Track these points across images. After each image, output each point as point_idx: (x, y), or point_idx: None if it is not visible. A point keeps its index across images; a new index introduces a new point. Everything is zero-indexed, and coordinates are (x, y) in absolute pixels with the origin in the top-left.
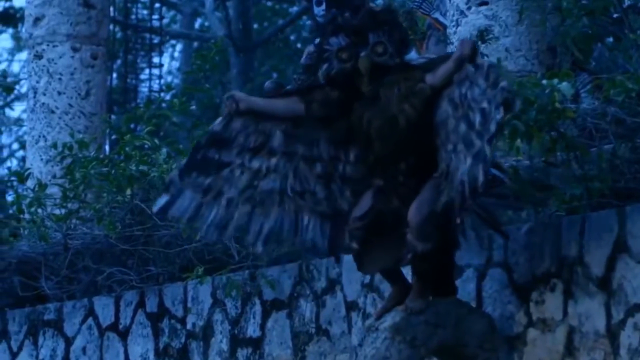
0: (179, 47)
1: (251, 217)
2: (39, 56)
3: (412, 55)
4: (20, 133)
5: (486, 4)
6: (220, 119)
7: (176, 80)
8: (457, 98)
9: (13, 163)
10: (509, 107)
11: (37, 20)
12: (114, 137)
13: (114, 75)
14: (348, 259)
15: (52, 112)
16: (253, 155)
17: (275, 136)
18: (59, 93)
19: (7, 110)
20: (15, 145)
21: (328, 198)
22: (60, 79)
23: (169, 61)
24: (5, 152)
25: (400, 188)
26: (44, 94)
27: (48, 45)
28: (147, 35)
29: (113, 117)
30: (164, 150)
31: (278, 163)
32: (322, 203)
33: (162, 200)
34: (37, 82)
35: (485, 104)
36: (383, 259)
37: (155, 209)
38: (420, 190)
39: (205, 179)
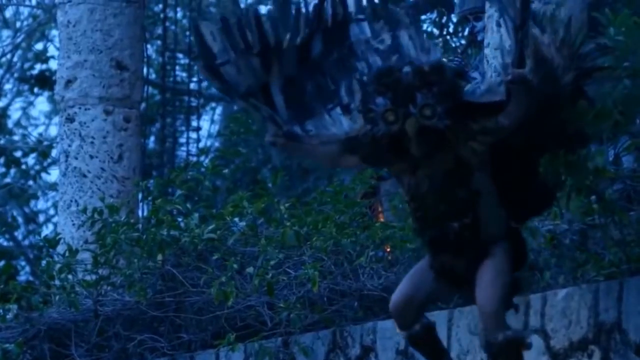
0: (219, 110)
1: None
2: (70, 119)
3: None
4: (56, 198)
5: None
6: None
7: (216, 144)
8: None
9: (49, 228)
10: None
11: (68, 82)
12: (149, 198)
13: (152, 138)
14: (382, 325)
15: (84, 176)
16: None
17: None
18: (91, 157)
19: (43, 174)
20: (51, 211)
21: None
22: (92, 142)
23: (209, 124)
24: (42, 218)
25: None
26: (76, 158)
27: (80, 108)
28: (186, 98)
29: (152, 181)
30: (196, 215)
31: None
32: None
33: None
34: (69, 145)
35: None
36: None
37: None
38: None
39: None
